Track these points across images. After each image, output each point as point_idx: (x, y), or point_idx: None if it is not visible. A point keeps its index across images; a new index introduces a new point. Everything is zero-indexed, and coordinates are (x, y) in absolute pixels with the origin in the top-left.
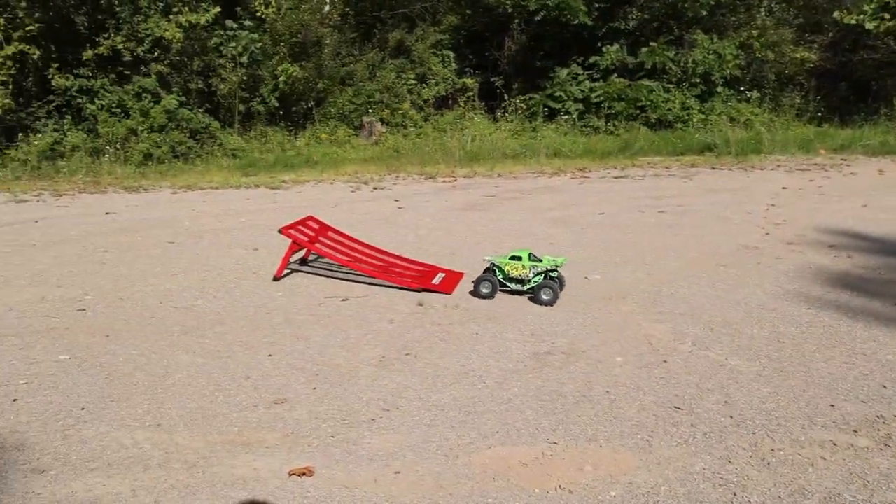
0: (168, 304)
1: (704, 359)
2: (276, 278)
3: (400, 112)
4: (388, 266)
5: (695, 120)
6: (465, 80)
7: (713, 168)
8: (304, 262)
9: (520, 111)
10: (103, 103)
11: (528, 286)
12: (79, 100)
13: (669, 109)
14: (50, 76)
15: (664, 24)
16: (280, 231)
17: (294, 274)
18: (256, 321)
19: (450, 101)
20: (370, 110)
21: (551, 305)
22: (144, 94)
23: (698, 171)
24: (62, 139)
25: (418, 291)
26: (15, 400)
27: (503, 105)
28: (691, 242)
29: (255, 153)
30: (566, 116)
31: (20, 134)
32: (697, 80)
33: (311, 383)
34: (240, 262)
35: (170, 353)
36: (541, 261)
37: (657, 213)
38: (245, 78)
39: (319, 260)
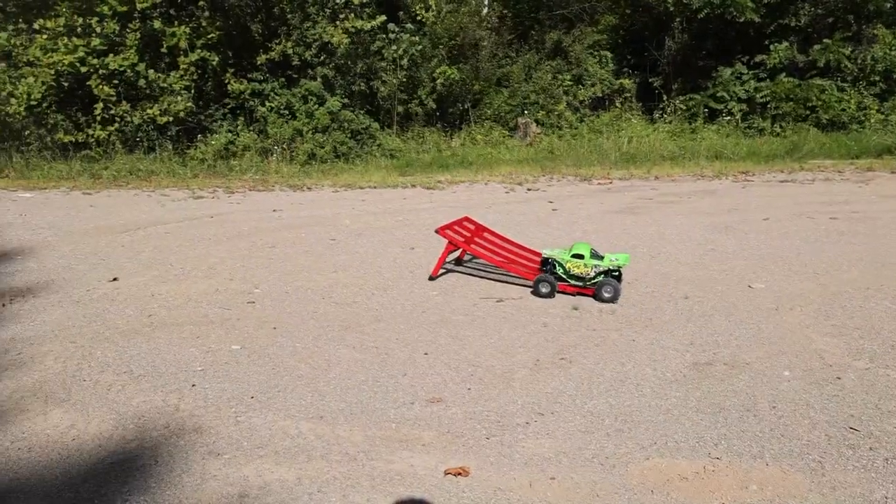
0: (329, 299)
1: (884, 377)
2: (431, 277)
3: (555, 113)
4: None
5: (872, 121)
6: (622, 80)
7: (893, 172)
8: (459, 262)
9: (679, 112)
10: (273, 105)
11: (589, 283)
12: (251, 102)
13: (844, 110)
14: (226, 81)
15: (840, 19)
16: (436, 231)
17: (449, 274)
18: (413, 319)
19: (606, 102)
20: (525, 111)
21: (614, 302)
22: (310, 97)
23: (876, 176)
24: (235, 139)
25: (573, 295)
26: (193, 385)
27: (661, 106)
28: (867, 252)
29: (412, 153)
30: (728, 117)
31: (199, 135)
32: (877, 79)
33: (465, 383)
34: (397, 260)
35: (331, 347)
36: (602, 258)
37: (828, 219)
38: (404, 80)
39: (474, 261)
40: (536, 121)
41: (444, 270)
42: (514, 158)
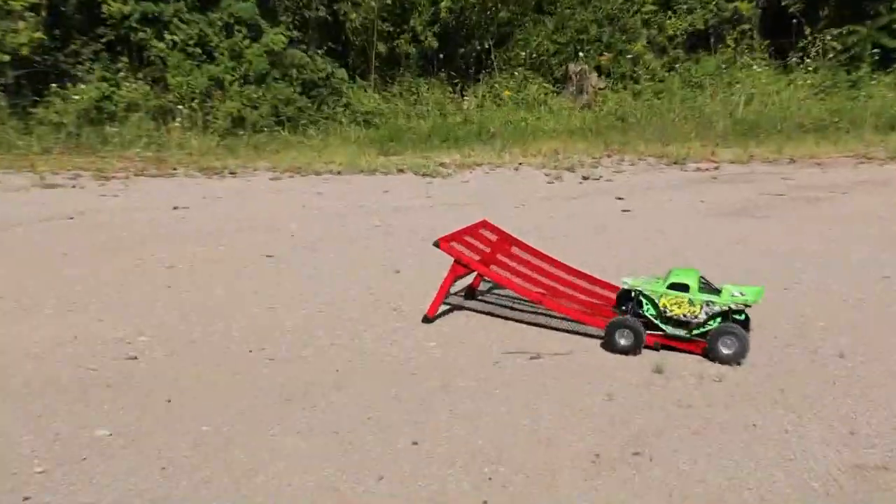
0: (262, 353)
1: None
2: (428, 318)
3: (629, 57)
4: (605, 305)
5: None
6: (736, 3)
7: None
8: (471, 293)
9: (830, 56)
10: (176, 40)
11: (696, 332)
12: (140, 34)
13: None
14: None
15: None
16: (437, 244)
17: (456, 312)
18: (396, 386)
19: (712, 39)
20: (581, 54)
21: (737, 363)
22: (237, 27)
23: None
24: (113, 93)
25: (656, 349)
26: (27, 500)
27: (801, 45)
28: None
29: (400, 119)
30: None
31: (53, 85)
32: None
33: (479, 493)
34: (373, 289)
35: (263, 433)
36: (718, 292)
37: None
38: (388, 2)
39: (496, 291)
40: (598, 69)
41: (447, 307)
42: (561, 128)
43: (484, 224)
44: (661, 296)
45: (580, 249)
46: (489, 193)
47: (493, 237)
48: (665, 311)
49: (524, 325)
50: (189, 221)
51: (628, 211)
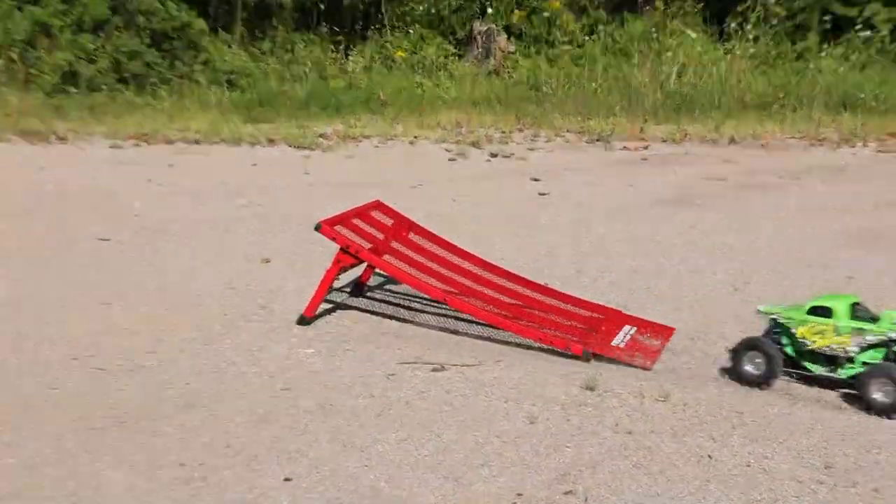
0: (91, 362)
1: None
2: (305, 319)
3: (544, 15)
4: (524, 306)
5: None
6: None
7: None
8: (359, 288)
9: (774, 22)
10: None
11: (847, 371)
12: None
13: None
14: None
15: None
16: (319, 227)
17: (340, 312)
18: (263, 406)
19: (639, 0)
20: (488, 11)
21: (893, 415)
22: None
23: None
24: None
25: (585, 360)
26: None
27: (740, 10)
28: None
29: (272, 81)
30: (867, 33)
31: None
32: None
33: None
34: (235, 283)
35: (84, 465)
36: (875, 320)
37: None
38: None
39: (390, 287)
40: (507, 29)
41: (328, 305)
42: (464, 97)
43: (377, 205)
44: (799, 323)
45: (489, 240)
46: (379, 171)
47: (388, 221)
48: (805, 343)
49: (425, 330)
50: (7, 196)
51: (545, 195)
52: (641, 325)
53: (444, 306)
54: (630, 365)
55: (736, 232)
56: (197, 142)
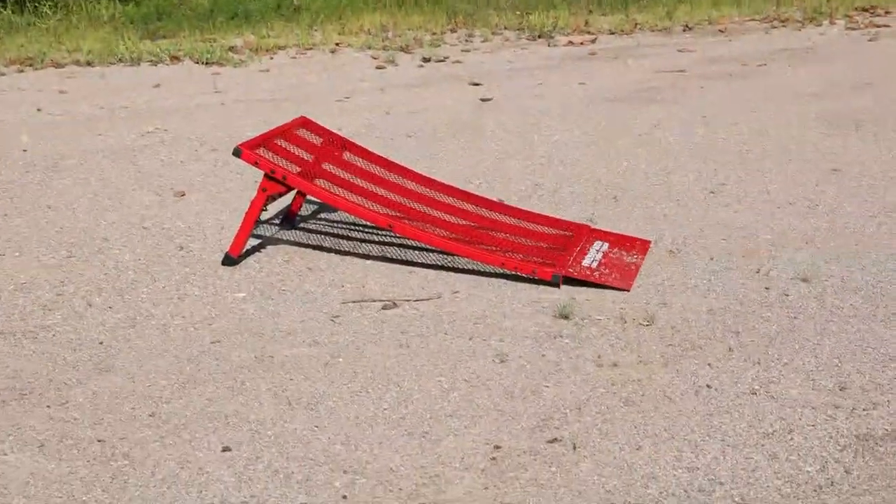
0: None
1: None
2: (231, 259)
3: None
4: (480, 228)
5: None
6: None
7: None
8: (291, 219)
9: None
10: None
11: None
12: None
13: None
14: None
15: None
16: (239, 152)
17: (271, 248)
18: (191, 363)
19: None
20: None
21: None
22: None
23: None
24: None
25: (555, 284)
26: None
27: None
28: None
29: None
30: None
31: None
32: None
33: None
34: (147, 222)
35: None
36: None
37: None
38: None
39: (325, 215)
40: None
41: (256, 241)
42: None
43: (303, 123)
44: None
45: (432, 155)
46: (299, 85)
47: (317, 140)
48: None
49: (370, 262)
50: None
51: (489, 100)
52: (613, 239)
53: (389, 234)
54: (606, 286)
55: (704, 128)
56: (90, 64)
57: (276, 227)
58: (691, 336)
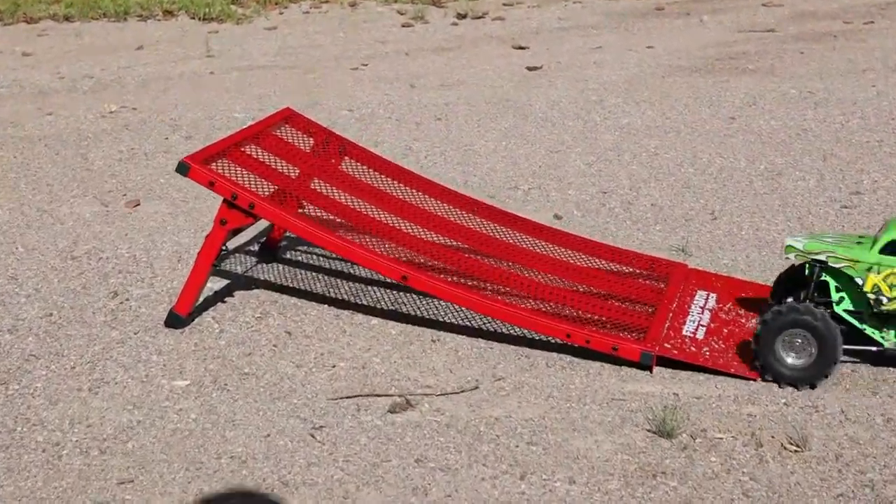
0: None
1: None
2: (176, 318)
3: None
4: (532, 277)
5: None
6: None
7: None
8: (269, 250)
9: None
10: None
11: None
12: None
13: None
14: None
15: None
16: (185, 169)
17: (239, 296)
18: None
19: None
20: None
21: None
22: None
23: None
24: None
25: (645, 367)
26: None
27: None
28: None
29: None
30: None
31: None
32: None
33: None
34: (80, 246)
35: None
36: None
37: None
38: None
39: (312, 254)
40: None
41: (220, 282)
42: None
43: (287, 117)
44: (872, 268)
45: (465, 147)
46: (308, 48)
47: (305, 143)
48: (880, 300)
49: (376, 323)
50: None
51: (537, 69)
52: (723, 286)
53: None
54: (724, 374)
55: (814, 108)
56: (68, 19)
57: (251, 260)
58: (870, 473)
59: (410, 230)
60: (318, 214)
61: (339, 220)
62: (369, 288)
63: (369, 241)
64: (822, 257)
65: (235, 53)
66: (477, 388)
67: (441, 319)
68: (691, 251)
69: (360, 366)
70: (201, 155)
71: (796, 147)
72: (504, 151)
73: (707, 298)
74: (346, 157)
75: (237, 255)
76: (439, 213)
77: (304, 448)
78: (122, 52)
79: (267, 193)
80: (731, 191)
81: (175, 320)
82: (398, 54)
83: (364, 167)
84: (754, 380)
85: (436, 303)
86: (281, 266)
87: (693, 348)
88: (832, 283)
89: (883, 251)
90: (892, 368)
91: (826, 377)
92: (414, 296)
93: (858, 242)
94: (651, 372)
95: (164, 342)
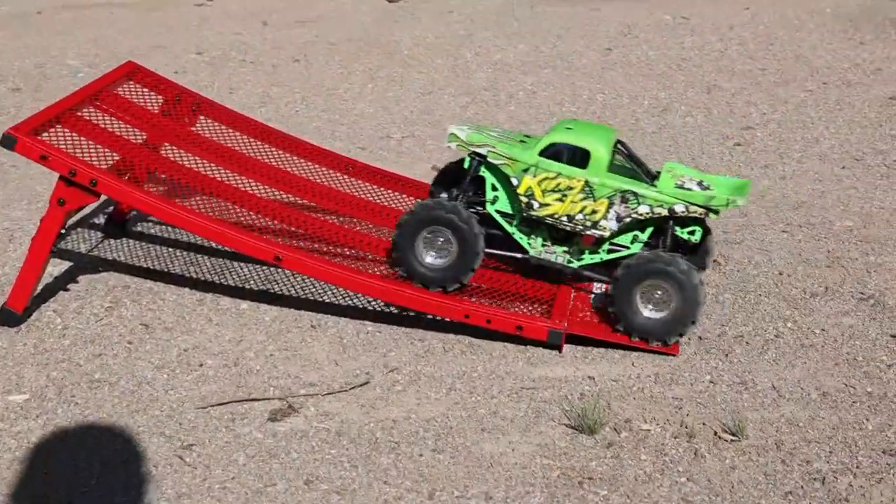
0: None
1: None
2: (11, 314)
3: None
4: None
5: None
6: None
7: None
8: (117, 224)
9: None
10: None
11: (588, 259)
12: None
13: None
14: None
15: None
16: (11, 142)
17: (83, 281)
18: None
19: None
20: None
21: (664, 342)
22: None
23: None
24: None
25: (553, 346)
26: None
27: None
28: None
29: None
30: None
31: None
32: None
33: None
34: None
35: None
36: (653, 177)
37: None
38: None
39: (167, 225)
40: None
41: (62, 265)
42: None
43: (129, 71)
44: (529, 170)
45: (329, 92)
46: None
47: (153, 101)
48: (532, 205)
49: (247, 307)
50: None
51: (397, 1)
52: None
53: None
54: (639, 349)
55: (689, 35)
56: None
57: (96, 236)
58: (817, 462)
59: (278, 198)
60: (171, 186)
61: (195, 193)
62: (235, 264)
63: (233, 213)
64: (482, 151)
65: None
66: (368, 382)
67: (320, 299)
68: None
69: (231, 362)
70: (30, 123)
71: (678, 79)
72: (371, 95)
73: None
74: (200, 116)
75: (79, 230)
76: (309, 177)
77: (171, 474)
78: None
79: (110, 165)
80: (622, 129)
81: (8, 317)
82: None
83: (222, 126)
84: (674, 355)
85: (312, 280)
86: (131, 242)
87: (604, 322)
88: (489, 180)
89: (543, 153)
90: (816, 330)
91: (462, 283)
92: (288, 272)
93: (522, 141)
94: (560, 351)
95: None
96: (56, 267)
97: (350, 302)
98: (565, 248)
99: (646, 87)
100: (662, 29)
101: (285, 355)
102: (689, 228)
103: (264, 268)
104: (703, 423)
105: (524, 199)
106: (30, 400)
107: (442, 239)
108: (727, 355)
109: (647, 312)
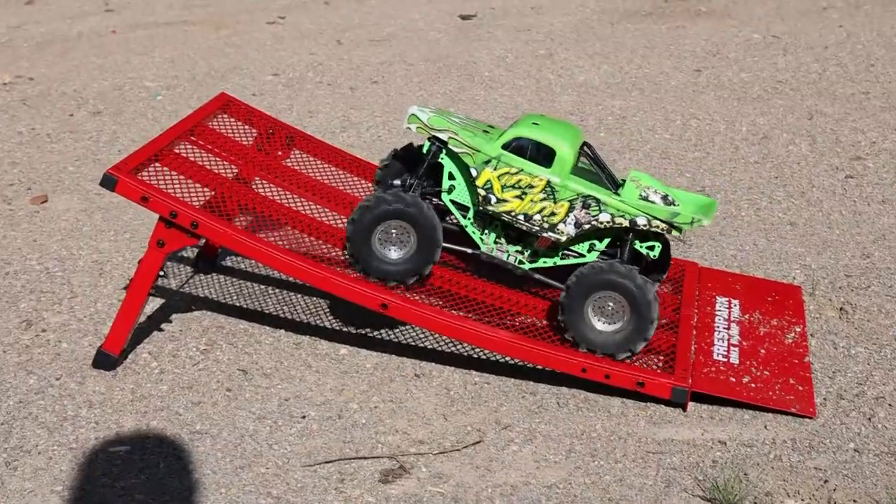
0: None
1: None
2: (107, 357)
3: None
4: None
5: None
6: None
7: None
8: (208, 260)
9: None
10: None
11: (540, 262)
12: None
13: None
14: None
15: None
16: (112, 183)
17: (177, 320)
18: None
19: None
20: None
21: (612, 356)
22: None
23: None
24: None
25: (678, 404)
26: None
27: None
28: None
29: None
30: None
31: None
32: None
33: None
34: None
35: None
36: (618, 186)
37: None
38: None
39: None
40: None
41: (155, 303)
42: None
43: (224, 104)
44: (490, 162)
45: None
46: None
47: (247, 133)
48: (489, 199)
49: (345, 352)
50: None
51: (471, 17)
52: (744, 288)
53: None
54: (771, 409)
55: (782, 55)
56: None
57: (186, 270)
58: None
59: None
60: (259, 221)
61: (294, 232)
62: (333, 305)
63: (326, 251)
64: (443, 136)
65: (137, 6)
66: (481, 441)
67: (422, 345)
68: (690, 240)
69: (335, 414)
70: (129, 163)
71: (776, 103)
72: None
73: (730, 307)
74: (294, 149)
75: (169, 264)
76: None
77: None
78: (10, 7)
79: (205, 202)
80: (717, 160)
81: (105, 360)
82: (317, 3)
83: (317, 159)
84: (811, 417)
85: (412, 326)
86: (222, 278)
87: (732, 378)
88: (447, 168)
89: (506, 147)
90: None
91: (421, 276)
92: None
93: (486, 132)
94: (685, 410)
95: (94, 389)
96: (148, 305)
97: (455, 349)
98: (518, 248)
99: (742, 112)
100: (752, 48)
101: (391, 407)
102: (649, 243)
103: (363, 310)
104: (854, 501)
105: (482, 193)
106: (131, 452)
107: (395, 231)
108: (870, 419)
109: (599, 325)
